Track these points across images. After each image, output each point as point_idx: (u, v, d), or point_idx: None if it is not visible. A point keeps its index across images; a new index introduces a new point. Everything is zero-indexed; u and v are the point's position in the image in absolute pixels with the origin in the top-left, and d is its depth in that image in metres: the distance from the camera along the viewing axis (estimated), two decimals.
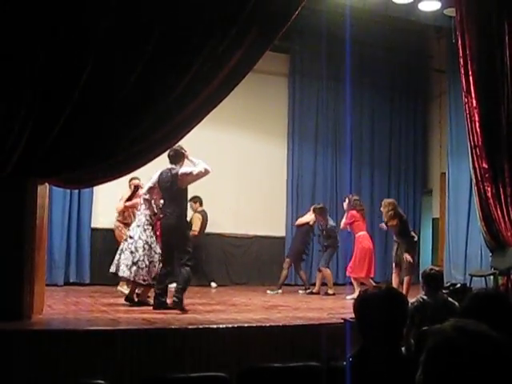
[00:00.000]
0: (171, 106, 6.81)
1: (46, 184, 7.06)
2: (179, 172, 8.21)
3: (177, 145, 8.23)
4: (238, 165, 13.67)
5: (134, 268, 8.59)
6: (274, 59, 12.62)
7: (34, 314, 6.59)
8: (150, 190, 8.65)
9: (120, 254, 8.82)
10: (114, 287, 11.06)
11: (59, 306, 8.32)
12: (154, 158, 7.36)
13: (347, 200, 11.69)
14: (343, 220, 11.62)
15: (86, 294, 10.34)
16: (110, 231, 11.94)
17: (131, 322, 6.84)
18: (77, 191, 12.14)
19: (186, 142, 7.57)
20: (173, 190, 8.24)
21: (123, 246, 8.88)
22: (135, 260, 8.61)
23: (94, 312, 7.79)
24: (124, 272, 8.66)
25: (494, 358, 1.69)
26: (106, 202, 12.38)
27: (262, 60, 7.42)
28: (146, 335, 6.12)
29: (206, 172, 8.25)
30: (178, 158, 8.37)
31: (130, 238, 8.81)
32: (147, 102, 6.69)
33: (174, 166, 8.31)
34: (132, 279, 8.69)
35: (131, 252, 8.66)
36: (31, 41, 5.95)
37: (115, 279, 11.57)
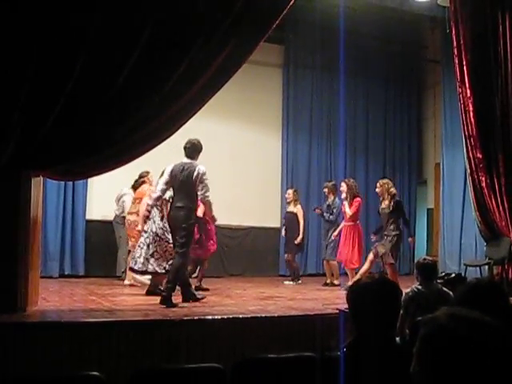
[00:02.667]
0: (164, 98, 6.79)
1: (40, 176, 7.05)
2: (200, 171, 8.09)
3: (194, 138, 8.29)
4: (233, 156, 13.66)
5: (152, 260, 8.82)
6: (268, 50, 12.59)
7: (29, 306, 6.58)
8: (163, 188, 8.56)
9: (141, 250, 8.96)
10: (108, 279, 11.10)
11: (54, 298, 8.31)
12: (149, 149, 7.34)
13: (344, 185, 11.23)
14: (348, 208, 11.02)
15: (81, 285, 10.33)
16: (105, 223, 11.96)
17: (126, 314, 6.84)
18: (71, 183, 12.12)
19: (180, 134, 7.55)
20: (187, 184, 8.13)
21: (140, 241, 9.08)
22: (151, 252, 8.83)
23: (89, 304, 7.79)
24: (146, 266, 8.88)
25: (488, 342, 1.69)
26: (101, 193, 12.38)
27: (256, 51, 7.40)
28: (142, 327, 6.13)
29: (205, 202, 8.31)
30: (194, 151, 8.30)
31: (145, 232, 9.00)
32: (140, 94, 6.67)
33: (191, 161, 8.23)
34: (154, 271, 8.90)
35: (147, 245, 8.86)
36: (24, 34, 5.92)
37: (110, 271, 11.62)
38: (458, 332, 1.70)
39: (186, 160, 8.25)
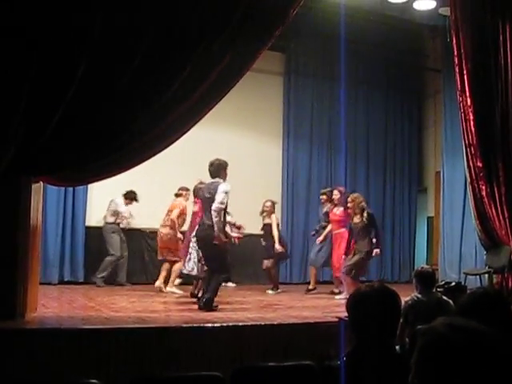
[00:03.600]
0: (165, 106, 6.80)
1: (41, 182, 7.05)
2: (219, 188, 8.24)
3: (214, 158, 8.52)
4: (233, 164, 13.55)
5: (199, 265, 9.30)
6: (269, 58, 12.58)
7: (28, 313, 6.58)
8: None
9: (190, 254, 9.46)
10: (108, 286, 11.11)
11: (53, 304, 8.31)
12: (149, 157, 7.34)
13: (338, 192, 11.37)
14: (338, 212, 11.23)
15: (80, 292, 10.32)
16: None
17: (125, 321, 6.83)
18: (71, 189, 12.11)
19: (181, 142, 7.55)
20: (208, 203, 8.31)
21: (190, 245, 9.50)
22: (199, 257, 9.26)
23: (88, 310, 7.79)
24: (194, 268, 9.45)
25: (486, 351, 1.69)
26: (101, 200, 12.36)
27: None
28: (141, 334, 6.12)
29: (216, 211, 8.26)
30: (216, 170, 8.47)
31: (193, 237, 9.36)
32: (142, 100, 6.67)
33: (216, 180, 8.40)
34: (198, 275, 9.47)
35: (196, 250, 9.27)
36: (25, 39, 5.93)
37: (109, 278, 11.64)
38: (455, 342, 1.70)
39: (210, 180, 8.50)
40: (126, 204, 11.98)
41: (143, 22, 6.34)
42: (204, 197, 8.47)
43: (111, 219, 11.89)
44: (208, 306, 7.96)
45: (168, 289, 10.60)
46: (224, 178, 8.47)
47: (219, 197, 8.12)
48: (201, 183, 10.01)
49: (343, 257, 10.51)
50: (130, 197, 11.93)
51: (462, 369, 1.66)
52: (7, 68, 6.02)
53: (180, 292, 10.37)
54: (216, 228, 8.16)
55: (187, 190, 10.90)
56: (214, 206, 8.12)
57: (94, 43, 6.17)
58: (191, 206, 10.64)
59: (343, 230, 11.02)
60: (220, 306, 8.29)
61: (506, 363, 1.70)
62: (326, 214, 11.78)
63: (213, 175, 8.42)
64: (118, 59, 6.38)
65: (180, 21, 6.52)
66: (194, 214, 10.30)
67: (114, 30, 6.25)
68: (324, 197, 12.03)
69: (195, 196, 10.36)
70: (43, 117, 6.27)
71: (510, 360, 1.73)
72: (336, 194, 11.33)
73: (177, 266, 10.65)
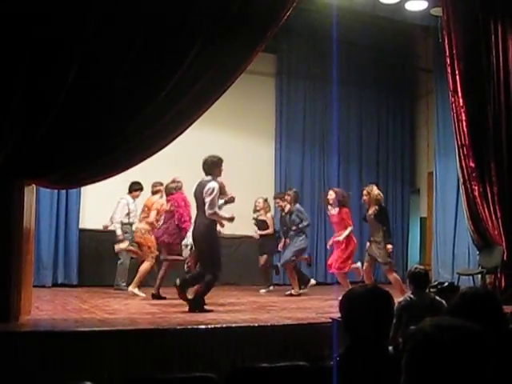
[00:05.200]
0: (159, 108, 6.78)
1: (33, 185, 7.04)
2: (208, 187, 8.28)
3: (208, 155, 8.53)
4: (226, 165, 13.58)
5: None
6: (261, 59, 12.54)
7: (22, 316, 6.56)
8: None
9: None
10: (101, 288, 11.08)
11: (47, 307, 8.29)
12: (144, 159, 7.33)
13: (332, 193, 11.23)
14: (334, 212, 11.05)
15: (74, 295, 10.31)
16: (98, 232, 11.93)
17: (119, 323, 6.82)
18: (64, 192, 12.10)
19: (173, 144, 7.54)
20: (199, 201, 8.39)
21: None
22: None
23: (82, 313, 7.78)
24: None
25: (473, 347, 1.70)
26: (94, 202, 12.35)
27: None
28: (134, 336, 6.11)
29: (212, 217, 8.34)
30: (209, 168, 8.48)
31: None
32: (135, 102, 6.66)
33: (208, 178, 8.42)
34: None
35: None
36: (17, 41, 5.92)
37: (103, 280, 11.59)
38: (443, 341, 1.71)
39: (205, 178, 8.49)
40: (133, 198, 11.60)
41: (136, 23, 6.33)
42: (196, 196, 8.49)
43: (125, 220, 11.43)
44: (197, 304, 8.03)
45: (130, 289, 10.28)
46: (217, 175, 8.51)
47: (207, 201, 8.19)
48: (173, 182, 10.28)
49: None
50: (135, 188, 11.55)
51: (451, 367, 1.67)
52: None
53: (142, 295, 10.05)
54: (218, 219, 8.50)
55: (162, 184, 10.76)
56: (207, 212, 8.20)
57: (87, 44, 6.16)
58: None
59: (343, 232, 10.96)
60: (213, 308, 8.29)
61: (494, 358, 1.71)
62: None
63: (206, 173, 8.45)
64: (111, 60, 6.37)
65: (173, 22, 6.51)
66: (167, 212, 10.34)
67: (107, 30, 6.24)
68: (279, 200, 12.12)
69: (167, 194, 10.41)
70: (35, 119, 6.26)
71: (498, 355, 1.74)
72: (331, 195, 11.29)
73: (144, 267, 10.42)
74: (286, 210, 11.76)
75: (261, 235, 12.22)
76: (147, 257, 10.47)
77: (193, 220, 9.22)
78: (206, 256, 8.40)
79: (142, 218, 10.75)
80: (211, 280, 8.27)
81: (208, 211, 8.19)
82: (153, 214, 10.59)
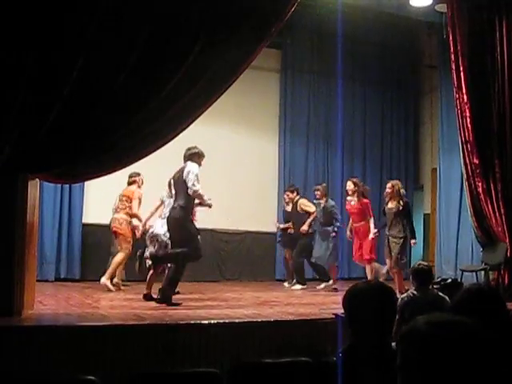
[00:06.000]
0: (162, 103, 6.77)
1: (37, 179, 7.04)
2: (187, 168, 8.35)
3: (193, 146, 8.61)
4: (230, 160, 13.65)
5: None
6: (265, 55, 12.57)
7: (25, 310, 6.56)
8: None
9: None
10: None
11: (50, 301, 8.30)
12: (147, 154, 7.34)
13: (351, 183, 11.25)
14: (354, 203, 11.13)
15: (77, 289, 10.32)
16: (102, 227, 11.92)
17: (122, 318, 6.82)
18: (67, 186, 12.12)
19: (177, 139, 7.54)
20: (179, 184, 8.43)
21: None
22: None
23: (85, 307, 7.79)
24: None
25: (468, 341, 1.69)
26: (97, 197, 12.36)
27: None
28: (137, 331, 6.11)
29: (196, 196, 8.35)
30: (191, 156, 8.55)
31: None
32: (138, 98, 6.66)
33: (187, 163, 8.49)
34: None
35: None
36: (21, 37, 5.91)
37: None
38: (437, 338, 1.70)
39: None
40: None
41: (139, 20, 6.32)
42: (175, 181, 8.58)
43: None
44: (165, 295, 8.05)
45: (103, 280, 10.06)
46: (198, 164, 8.58)
47: (190, 179, 8.23)
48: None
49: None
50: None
51: (447, 363, 1.66)
52: (2, 66, 6.00)
53: (113, 289, 9.99)
54: (200, 199, 8.47)
55: (139, 174, 10.68)
56: (190, 190, 8.21)
57: (90, 41, 6.15)
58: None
59: (363, 222, 11.06)
60: (216, 303, 8.29)
61: (490, 351, 1.71)
62: (325, 209, 11.65)
63: (185, 160, 8.55)
64: (115, 56, 6.36)
65: (177, 19, 6.50)
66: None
67: (110, 27, 6.23)
68: (318, 193, 11.96)
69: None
70: (39, 114, 6.25)
71: (495, 348, 1.74)
72: (349, 185, 11.25)
73: (117, 258, 10.27)
74: (322, 205, 11.72)
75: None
76: (121, 248, 10.36)
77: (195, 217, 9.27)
78: (183, 240, 8.30)
79: (120, 208, 10.59)
80: (186, 253, 8.23)
81: (192, 188, 8.19)
82: (135, 203, 10.49)
